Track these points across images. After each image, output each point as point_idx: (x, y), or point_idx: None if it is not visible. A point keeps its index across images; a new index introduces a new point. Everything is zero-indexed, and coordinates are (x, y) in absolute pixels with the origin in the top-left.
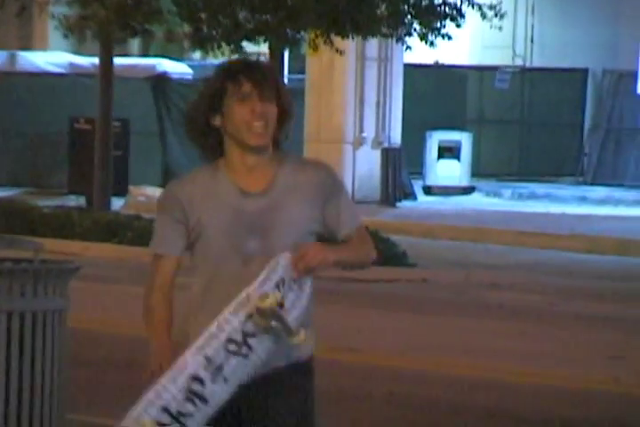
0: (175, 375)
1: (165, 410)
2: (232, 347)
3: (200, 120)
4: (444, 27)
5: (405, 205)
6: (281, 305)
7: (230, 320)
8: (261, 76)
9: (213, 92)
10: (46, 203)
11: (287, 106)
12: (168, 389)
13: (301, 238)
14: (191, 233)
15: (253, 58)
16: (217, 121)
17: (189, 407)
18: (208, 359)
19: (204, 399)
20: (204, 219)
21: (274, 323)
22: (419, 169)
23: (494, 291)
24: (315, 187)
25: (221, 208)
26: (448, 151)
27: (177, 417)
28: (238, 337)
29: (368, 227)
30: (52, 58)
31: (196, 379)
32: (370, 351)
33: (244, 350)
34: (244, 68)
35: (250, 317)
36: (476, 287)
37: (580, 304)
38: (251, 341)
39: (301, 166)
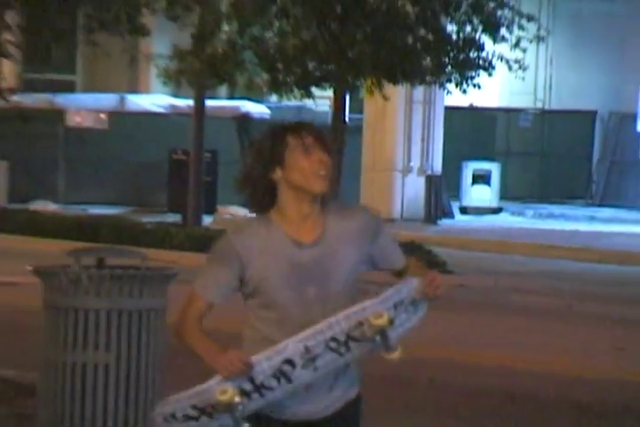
0: (271, 355)
1: (250, 380)
2: (333, 344)
3: (259, 174)
4: (479, 76)
5: (445, 222)
6: (391, 323)
7: (340, 323)
8: (319, 132)
9: (274, 147)
10: (148, 219)
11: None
12: (261, 363)
13: (351, 279)
14: (246, 285)
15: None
16: (277, 174)
17: (273, 383)
18: (307, 349)
19: (288, 379)
20: (263, 274)
21: (378, 338)
22: (456, 193)
23: (518, 294)
24: (361, 231)
25: (279, 262)
26: (480, 178)
27: (259, 387)
28: (342, 338)
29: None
30: (154, 100)
31: (290, 362)
32: (414, 344)
33: (343, 349)
34: (302, 126)
35: (360, 325)
36: (503, 291)
37: (592, 306)
38: (352, 344)
39: (346, 213)
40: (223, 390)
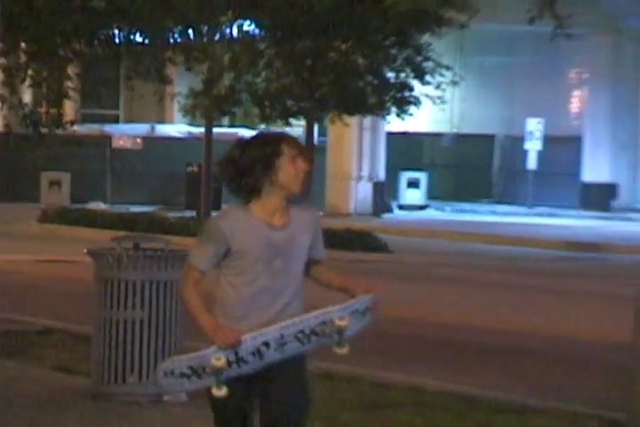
0: (256, 336)
1: (236, 353)
2: (300, 335)
3: (254, 175)
4: (410, 109)
5: (386, 216)
6: (347, 327)
7: (310, 320)
8: (299, 143)
9: (271, 154)
10: (172, 214)
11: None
12: (247, 341)
13: (304, 257)
14: (229, 257)
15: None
16: (271, 175)
17: (250, 358)
18: (282, 336)
19: (261, 357)
20: (245, 249)
21: (335, 336)
22: (395, 194)
23: (443, 268)
24: (311, 223)
25: (257, 240)
26: (412, 183)
27: (239, 360)
28: (307, 331)
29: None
30: (176, 128)
31: (266, 344)
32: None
33: (305, 340)
34: (292, 138)
35: (323, 324)
36: (431, 266)
37: (495, 276)
38: (313, 337)
39: (302, 209)
40: (218, 358)
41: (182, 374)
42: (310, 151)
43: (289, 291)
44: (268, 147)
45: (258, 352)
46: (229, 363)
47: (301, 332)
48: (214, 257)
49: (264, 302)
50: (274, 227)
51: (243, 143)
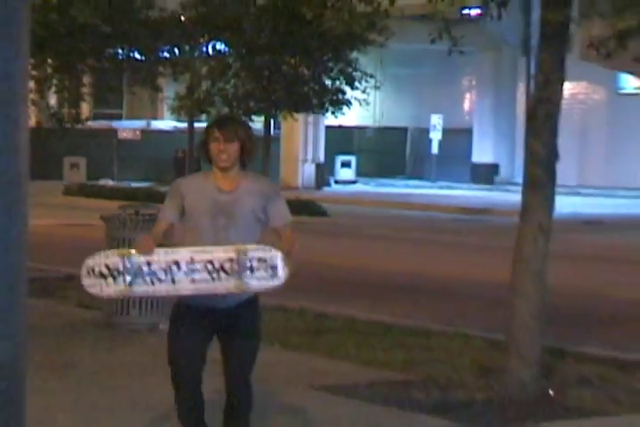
0: (168, 252)
1: (148, 264)
2: (209, 266)
3: (202, 151)
4: (342, 108)
5: (325, 189)
6: (251, 270)
7: (220, 252)
8: (225, 126)
9: (204, 137)
10: (163, 188)
11: (244, 143)
12: (159, 254)
13: (249, 219)
14: (185, 212)
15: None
16: (205, 153)
17: (161, 275)
18: (192, 259)
19: (173, 279)
20: (194, 205)
21: (237, 275)
22: (332, 172)
23: (370, 228)
24: (261, 191)
25: (205, 199)
26: (345, 164)
27: (151, 273)
28: (217, 265)
29: (309, 199)
30: (166, 123)
31: (177, 264)
32: (319, 258)
33: (215, 275)
34: (217, 122)
35: (230, 261)
36: (360, 227)
37: (409, 233)
38: (222, 275)
39: (255, 179)
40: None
41: (101, 274)
42: (221, 133)
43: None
44: (205, 132)
45: (169, 270)
46: (142, 274)
47: (211, 262)
48: (176, 209)
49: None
50: (221, 190)
51: None
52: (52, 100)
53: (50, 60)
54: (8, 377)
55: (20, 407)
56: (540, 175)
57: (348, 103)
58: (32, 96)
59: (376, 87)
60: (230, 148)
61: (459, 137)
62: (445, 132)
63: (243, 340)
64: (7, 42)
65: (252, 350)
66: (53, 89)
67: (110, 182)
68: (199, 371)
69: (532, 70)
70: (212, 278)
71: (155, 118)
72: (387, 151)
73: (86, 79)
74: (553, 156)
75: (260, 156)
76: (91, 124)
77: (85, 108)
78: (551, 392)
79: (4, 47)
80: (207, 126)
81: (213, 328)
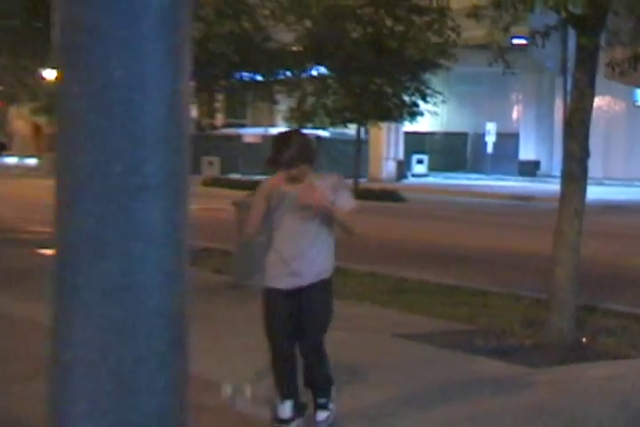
0: None
1: None
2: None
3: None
4: (417, 118)
5: (404, 181)
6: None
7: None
8: (281, 142)
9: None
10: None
11: (306, 156)
12: None
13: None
14: (270, 206)
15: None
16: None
17: None
18: None
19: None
20: (277, 201)
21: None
22: (409, 167)
23: (440, 211)
24: (329, 186)
25: (286, 196)
26: (420, 161)
27: None
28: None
29: (393, 189)
30: (279, 129)
31: None
32: (394, 233)
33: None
34: (275, 136)
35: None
36: (432, 210)
37: (468, 215)
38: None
39: (324, 177)
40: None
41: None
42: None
43: (309, 234)
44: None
45: None
46: None
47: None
48: (265, 205)
49: (290, 239)
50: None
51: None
52: (194, 112)
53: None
54: (179, 324)
55: (186, 349)
56: (575, 169)
57: (421, 114)
58: None
59: (443, 101)
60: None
61: (509, 140)
62: (498, 136)
63: (317, 313)
64: (178, 65)
65: (325, 323)
66: (196, 104)
67: (238, 176)
68: (290, 338)
69: (569, 87)
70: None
71: (272, 126)
72: (451, 151)
73: (220, 96)
74: (585, 154)
75: (352, 155)
76: (223, 131)
77: (220, 119)
78: (584, 340)
79: (177, 69)
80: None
81: (296, 304)
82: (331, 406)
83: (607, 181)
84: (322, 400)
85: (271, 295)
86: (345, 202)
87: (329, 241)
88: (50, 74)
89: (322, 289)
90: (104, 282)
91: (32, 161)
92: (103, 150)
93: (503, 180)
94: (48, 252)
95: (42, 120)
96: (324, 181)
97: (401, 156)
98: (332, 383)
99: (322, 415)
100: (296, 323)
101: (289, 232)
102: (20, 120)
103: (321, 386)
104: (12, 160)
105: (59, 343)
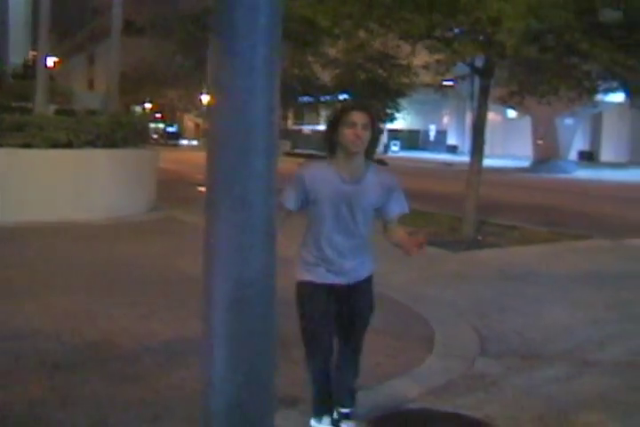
0: None
1: None
2: None
3: (328, 136)
4: (394, 120)
5: (387, 154)
6: None
7: None
8: (364, 112)
9: (334, 120)
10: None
11: (374, 133)
12: None
13: (369, 210)
14: (310, 200)
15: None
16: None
17: None
18: None
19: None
20: (319, 194)
21: None
22: (389, 147)
23: (407, 169)
24: (383, 184)
25: (329, 188)
26: (395, 144)
27: None
28: None
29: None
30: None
31: None
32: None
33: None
34: (355, 107)
35: None
36: (400, 169)
37: (423, 172)
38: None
39: (380, 172)
40: None
41: None
42: (359, 118)
43: (354, 236)
44: (337, 115)
45: None
46: None
47: None
48: (297, 199)
49: (333, 239)
50: (344, 180)
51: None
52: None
53: None
54: (266, 292)
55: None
56: (477, 149)
57: (396, 118)
58: None
59: (407, 113)
60: (366, 134)
61: (442, 133)
62: (436, 131)
63: (361, 314)
64: (273, 93)
65: (366, 325)
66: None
67: (300, 151)
68: (330, 342)
69: (474, 106)
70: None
71: (317, 124)
72: (412, 139)
73: (291, 108)
74: (482, 141)
75: None
76: (292, 127)
77: (290, 120)
78: (479, 238)
79: (270, 94)
80: (341, 110)
81: (336, 303)
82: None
83: (492, 156)
84: (347, 410)
85: (308, 293)
86: (396, 206)
87: (371, 256)
88: (205, 98)
89: (367, 286)
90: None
91: (195, 142)
92: (229, 142)
93: (439, 154)
94: (202, 189)
95: (200, 120)
96: (380, 176)
97: (385, 141)
98: (356, 391)
99: None
100: (343, 326)
101: (331, 227)
102: (189, 121)
103: (349, 394)
104: (184, 142)
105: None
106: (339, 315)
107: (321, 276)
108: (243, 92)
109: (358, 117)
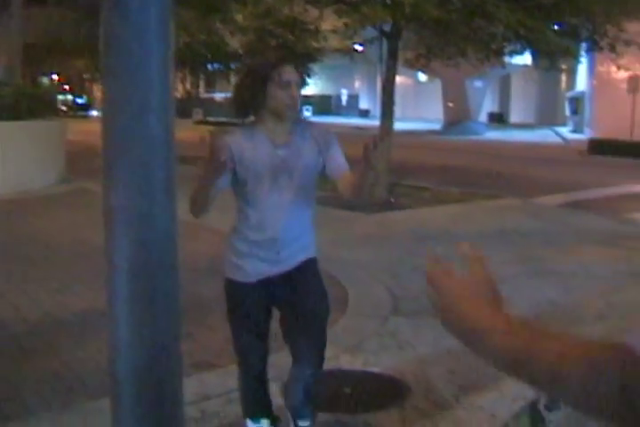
0: None
1: None
2: None
3: (250, 95)
4: (305, 86)
5: None
6: None
7: None
8: (296, 66)
9: (257, 79)
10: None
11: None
12: None
13: (310, 173)
14: (237, 173)
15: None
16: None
17: None
18: None
19: None
20: (249, 164)
21: None
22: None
23: None
24: (316, 140)
25: (261, 156)
26: (307, 110)
27: None
28: None
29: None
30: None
31: None
32: None
33: None
34: (286, 61)
35: None
36: None
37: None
38: None
39: (307, 126)
40: None
41: None
42: (292, 75)
43: (295, 206)
44: (263, 73)
45: None
46: None
47: None
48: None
49: (259, 214)
50: (276, 144)
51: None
52: (188, 85)
53: None
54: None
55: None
56: (387, 112)
57: (307, 84)
58: None
59: (319, 78)
60: (300, 92)
61: (353, 98)
62: (348, 96)
63: (313, 305)
64: (166, 49)
65: (324, 318)
66: (189, 81)
67: (212, 119)
68: (265, 353)
69: (384, 70)
70: None
71: (229, 91)
72: (324, 104)
73: (202, 76)
74: (392, 104)
75: None
76: (204, 95)
77: (202, 88)
78: (392, 200)
79: (164, 54)
80: (270, 66)
81: (272, 300)
82: None
83: (404, 119)
84: (305, 423)
85: (234, 293)
86: (342, 161)
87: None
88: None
89: (314, 266)
90: None
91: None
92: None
93: (351, 119)
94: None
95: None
96: (309, 132)
97: None
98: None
99: None
100: (290, 326)
101: (268, 200)
102: (99, 91)
103: (306, 404)
104: (95, 113)
105: None
106: (282, 316)
107: (252, 270)
108: (136, 53)
109: (292, 75)
